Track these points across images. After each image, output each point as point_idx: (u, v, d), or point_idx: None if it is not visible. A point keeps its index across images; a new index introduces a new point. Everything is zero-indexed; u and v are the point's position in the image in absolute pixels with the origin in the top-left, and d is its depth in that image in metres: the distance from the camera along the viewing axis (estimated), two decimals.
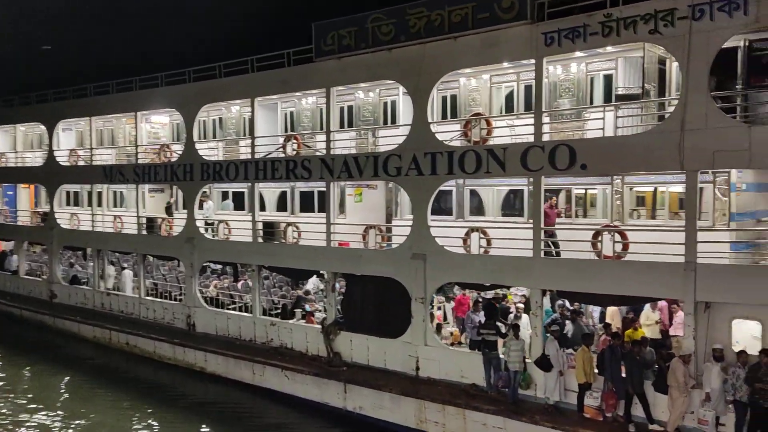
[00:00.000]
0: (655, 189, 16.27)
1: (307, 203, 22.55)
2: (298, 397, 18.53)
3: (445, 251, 16.36)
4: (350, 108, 21.06)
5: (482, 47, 15.90)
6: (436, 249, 16.45)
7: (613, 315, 16.07)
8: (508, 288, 17.41)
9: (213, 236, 22.67)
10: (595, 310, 17.00)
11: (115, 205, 30.03)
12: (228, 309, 22.10)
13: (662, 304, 15.41)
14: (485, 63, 16.65)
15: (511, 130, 16.24)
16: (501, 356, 15.15)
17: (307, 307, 20.31)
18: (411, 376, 16.83)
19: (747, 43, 13.72)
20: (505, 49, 15.68)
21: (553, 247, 15.37)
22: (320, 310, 20.11)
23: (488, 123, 16.31)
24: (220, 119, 25.13)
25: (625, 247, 14.01)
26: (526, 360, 14.88)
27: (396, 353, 17.24)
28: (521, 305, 16.85)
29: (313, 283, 21.77)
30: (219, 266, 25.23)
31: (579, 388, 14.03)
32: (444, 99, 18.76)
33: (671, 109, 13.89)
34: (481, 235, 16.18)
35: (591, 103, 16.20)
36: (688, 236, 13.03)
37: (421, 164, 16.72)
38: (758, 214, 15.37)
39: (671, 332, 15.12)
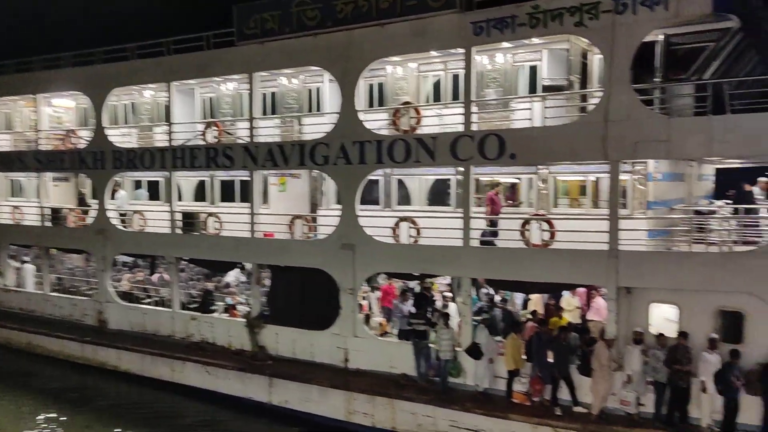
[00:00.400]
0: (554, 178, 16.48)
1: (227, 193, 21.72)
2: (221, 393, 17.87)
3: (374, 241, 16.17)
4: (273, 94, 20.38)
5: (411, 35, 15.75)
6: (365, 239, 16.23)
7: (537, 302, 16.47)
8: (432, 277, 17.43)
9: (126, 228, 21.45)
10: (518, 298, 17.35)
11: (12, 195, 27.85)
12: (143, 304, 21.01)
13: (581, 290, 15.90)
14: (414, 51, 16.51)
15: (440, 119, 16.22)
16: (431, 345, 15.18)
17: (229, 299, 19.63)
18: (340, 368, 16.59)
19: (665, 38, 14.28)
20: (433, 37, 15.61)
21: (494, 236, 15.47)
22: (243, 303, 19.47)
23: (417, 112, 16.20)
24: (133, 104, 23.74)
25: (552, 235, 14.32)
26: (456, 348, 14.97)
27: (324, 345, 16.93)
28: (449, 294, 16.95)
29: (234, 275, 21.05)
30: (130, 259, 23.91)
31: (508, 374, 14.25)
32: (370, 87, 18.49)
33: (594, 101, 14.29)
34: (411, 225, 16.10)
35: (516, 93, 16.41)
36: (611, 224, 13.46)
37: (349, 153, 16.43)
38: (671, 203, 16.12)
39: (589, 317, 15.60)
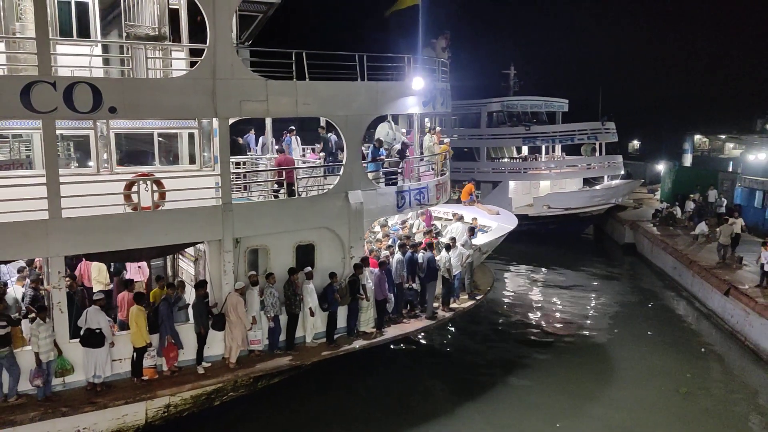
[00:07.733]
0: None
1: None
2: None
3: None
4: None
5: None
6: None
7: (101, 269, 15.02)
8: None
9: None
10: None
11: None
12: None
13: None
14: None
15: None
16: (18, 351, 11.97)
17: None
18: None
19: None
20: None
21: None
22: None
23: None
24: None
25: (162, 196, 13.44)
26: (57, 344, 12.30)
27: None
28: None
29: None
30: None
31: (137, 352, 12.89)
32: None
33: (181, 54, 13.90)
34: None
35: (61, 34, 13.76)
36: (223, 180, 13.83)
37: None
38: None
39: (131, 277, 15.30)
